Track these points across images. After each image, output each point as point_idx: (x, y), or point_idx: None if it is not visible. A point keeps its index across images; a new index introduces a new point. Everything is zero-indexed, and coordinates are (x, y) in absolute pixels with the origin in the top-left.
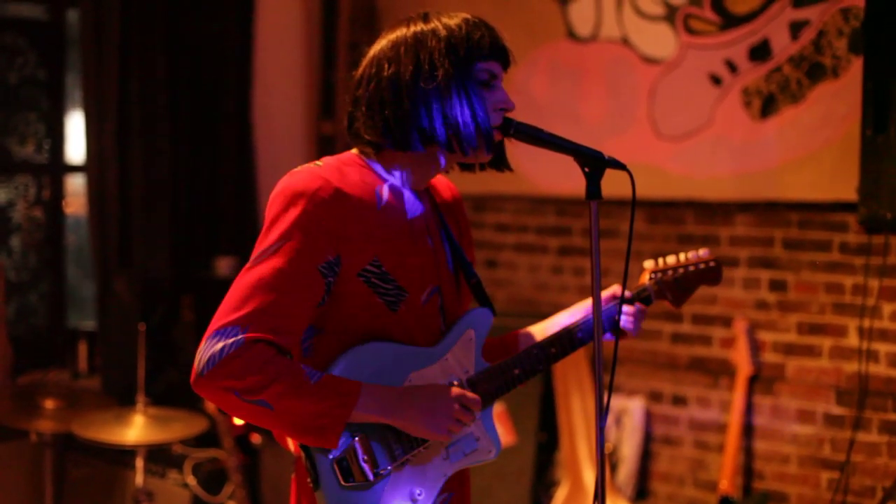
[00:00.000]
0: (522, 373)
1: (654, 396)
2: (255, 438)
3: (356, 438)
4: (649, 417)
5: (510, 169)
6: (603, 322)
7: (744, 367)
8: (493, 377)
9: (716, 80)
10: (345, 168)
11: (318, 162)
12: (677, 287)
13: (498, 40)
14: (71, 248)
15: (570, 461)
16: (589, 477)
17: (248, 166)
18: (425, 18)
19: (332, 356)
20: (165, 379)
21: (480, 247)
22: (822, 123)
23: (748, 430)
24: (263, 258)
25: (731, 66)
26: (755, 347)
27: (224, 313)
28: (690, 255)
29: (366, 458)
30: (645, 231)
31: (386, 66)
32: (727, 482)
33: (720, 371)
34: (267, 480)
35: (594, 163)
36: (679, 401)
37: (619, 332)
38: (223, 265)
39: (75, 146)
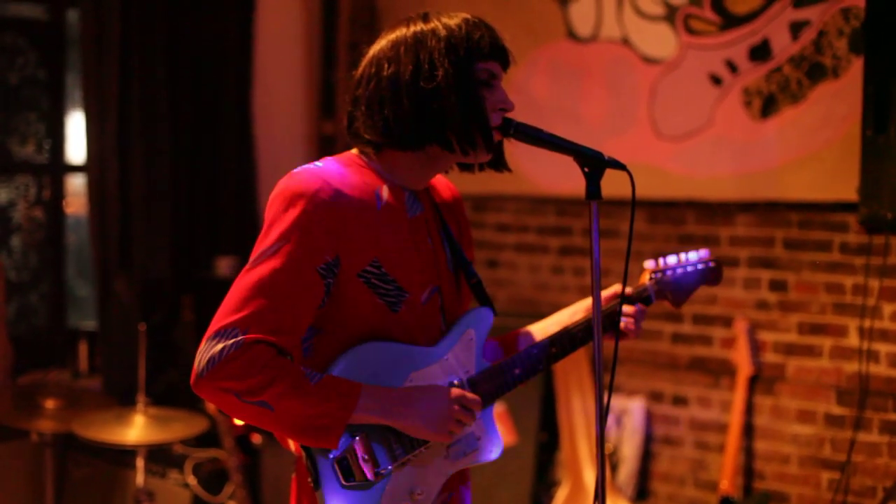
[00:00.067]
0: (523, 372)
1: (655, 396)
2: (256, 438)
3: (357, 438)
4: (650, 417)
5: (509, 169)
6: (603, 322)
7: (744, 368)
8: (494, 377)
9: (716, 80)
10: (344, 168)
11: (317, 162)
12: (677, 287)
13: (498, 40)
14: (71, 249)
15: (571, 461)
16: (589, 477)
17: (248, 166)
18: (425, 18)
19: (333, 357)
20: (166, 379)
21: (481, 247)
22: (823, 123)
23: (749, 431)
24: (263, 259)
25: (732, 66)
26: (756, 347)
27: (224, 314)
28: (691, 255)
29: (366, 457)
30: (645, 231)
31: (386, 65)
32: (728, 482)
33: (721, 371)
34: (267, 480)
35: (594, 163)
36: (679, 401)
37: (619, 333)
38: (224, 265)
39: (76, 146)
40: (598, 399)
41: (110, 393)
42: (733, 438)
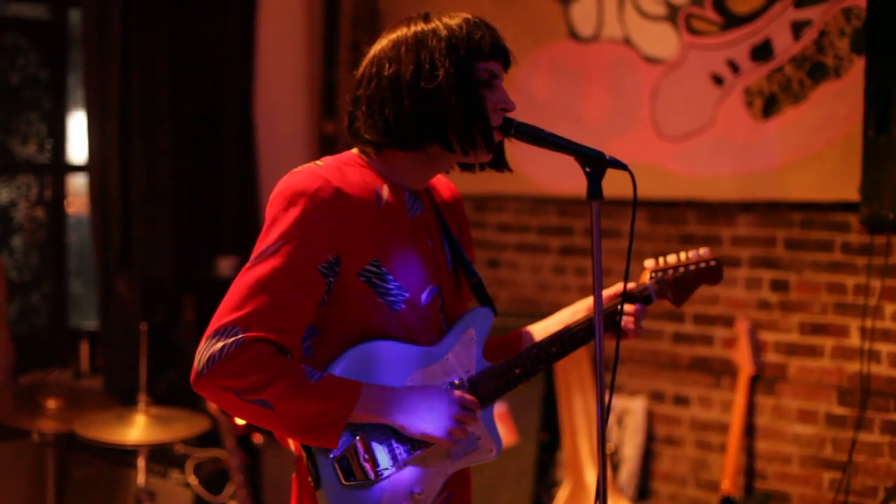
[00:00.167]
0: (523, 372)
1: (656, 396)
2: (257, 438)
3: (357, 438)
4: (651, 417)
5: (509, 169)
6: (604, 321)
7: (746, 367)
8: (494, 376)
9: (718, 80)
10: (345, 168)
11: (318, 162)
12: (678, 286)
13: (499, 40)
14: (73, 248)
15: (572, 461)
16: (590, 477)
17: (249, 166)
18: (426, 18)
19: (333, 356)
20: (167, 379)
21: (482, 247)
22: (824, 123)
23: (750, 431)
24: (263, 258)
25: (733, 66)
26: (757, 347)
27: (224, 313)
28: (691, 254)
29: (367, 457)
30: (646, 231)
31: (386, 65)
32: (729, 482)
33: (722, 371)
34: (268, 480)
35: (595, 163)
36: (681, 401)
37: (620, 332)
38: (225, 265)
39: (77, 146)
40: (600, 399)
41: (111, 393)
42: (734, 438)
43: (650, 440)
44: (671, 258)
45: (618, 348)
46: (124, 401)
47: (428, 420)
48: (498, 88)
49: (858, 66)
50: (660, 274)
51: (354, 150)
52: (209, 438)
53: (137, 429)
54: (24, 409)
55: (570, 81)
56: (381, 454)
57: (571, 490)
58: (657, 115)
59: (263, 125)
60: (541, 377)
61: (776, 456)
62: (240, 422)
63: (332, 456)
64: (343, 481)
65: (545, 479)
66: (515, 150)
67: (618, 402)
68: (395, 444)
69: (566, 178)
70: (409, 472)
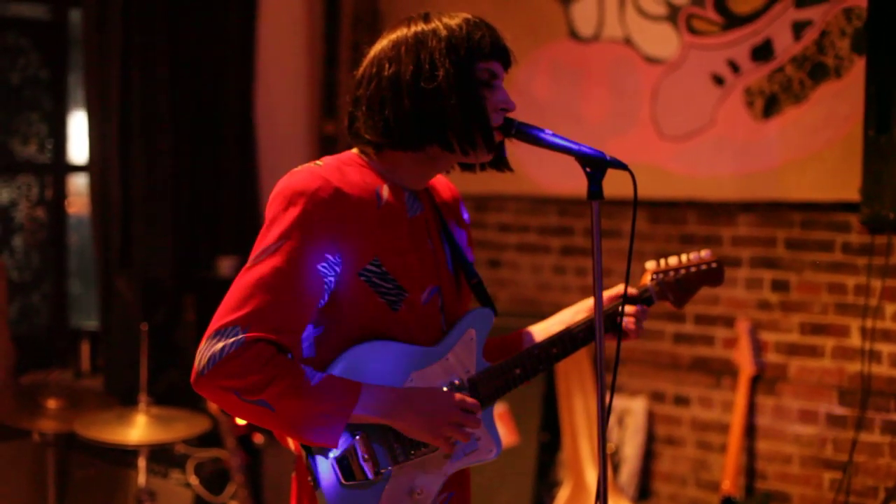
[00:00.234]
0: (523, 373)
1: (657, 397)
2: (258, 438)
3: (357, 438)
4: (651, 417)
5: (510, 169)
6: (605, 322)
7: (746, 368)
8: (494, 377)
9: (718, 80)
10: (345, 168)
11: (317, 161)
12: (679, 288)
13: (499, 40)
14: (73, 248)
15: (573, 461)
16: (591, 477)
17: (250, 166)
18: (426, 18)
19: (333, 356)
20: (168, 379)
21: (483, 247)
22: (825, 124)
23: (750, 431)
24: (263, 258)
25: (734, 66)
26: (758, 348)
27: (224, 313)
28: (692, 255)
29: (366, 457)
30: (647, 231)
31: (386, 65)
32: (729, 482)
33: (723, 371)
34: (269, 480)
35: (596, 163)
36: (681, 401)
37: (621, 333)
38: (225, 265)
39: (78, 146)
40: (600, 399)
41: (112, 393)
42: (735, 438)
43: (651, 440)
44: (672, 260)
45: (618, 349)
46: (125, 401)
47: (428, 422)
48: (498, 88)
49: (859, 66)
50: (661, 275)
51: (354, 150)
52: (210, 438)
53: (138, 429)
54: (25, 409)
55: (570, 81)
56: (381, 454)
57: (572, 490)
58: (657, 115)
59: (264, 125)
60: (541, 377)
61: (777, 456)
62: (240, 422)
63: (331, 456)
64: (342, 481)
65: (546, 479)
66: (516, 150)
67: (618, 403)
68: (394, 445)
69: (566, 178)
70: (408, 473)
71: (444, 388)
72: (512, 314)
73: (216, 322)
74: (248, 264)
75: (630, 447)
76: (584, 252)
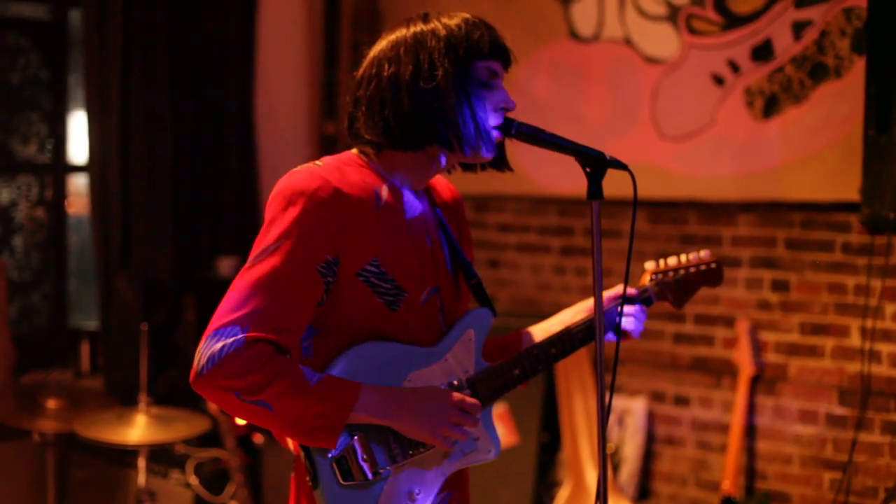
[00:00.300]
0: (522, 373)
1: (657, 397)
2: (258, 438)
3: (355, 438)
4: (651, 418)
5: (511, 169)
6: (605, 322)
7: (746, 368)
8: (493, 377)
9: (718, 81)
10: (344, 168)
11: (317, 161)
12: (678, 288)
13: (498, 40)
14: (73, 248)
15: (573, 461)
16: (591, 477)
17: (250, 166)
18: (425, 19)
19: (332, 356)
20: (168, 379)
21: (482, 247)
22: (825, 124)
23: (750, 431)
24: (262, 258)
25: (734, 67)
26: (757, 348)
27: (223, 313)
28: (692, 256)
29: (365, 457)
30: (647, 231)
31: (386, 66)
32: (729, 482)
33: (722, 371)
34: (269, 480)
35: (596, 163)
36: (681, 401)
37: (619, 333)
38: (225, 265)
39: (78, 146)
40: (600, 399)
41: (112, 393)
42: (735, 438)
43: (650, 440)
44: (672, 260)
45: (618, 349)
46: (125, 401)
47: (427, 422)
48: (498, 88)
49: (859, 66)
50: (660, 276)
51: (354, 151)
52: (210, 438)
53: (138, 429)
54: (25, 409)
55: (570, 81)
56: (380, 454)
57: (572, 490)
58: (658, 115)
59: (264, 125)
60: (541, 377)
61: (777, 456)
62: (240, 422)
63: (330, 456)
64: (341, 481)
65: (545, 479)
66: (516, 150)
67: (618, 403)
68: (393, 445)
69: (566, 178)
70: (407, 473)
71: (444, 388)
72: (512, 314)
73: (215, 322)
74: (247, 264)
75: (630, 447)
76: (584, 252)
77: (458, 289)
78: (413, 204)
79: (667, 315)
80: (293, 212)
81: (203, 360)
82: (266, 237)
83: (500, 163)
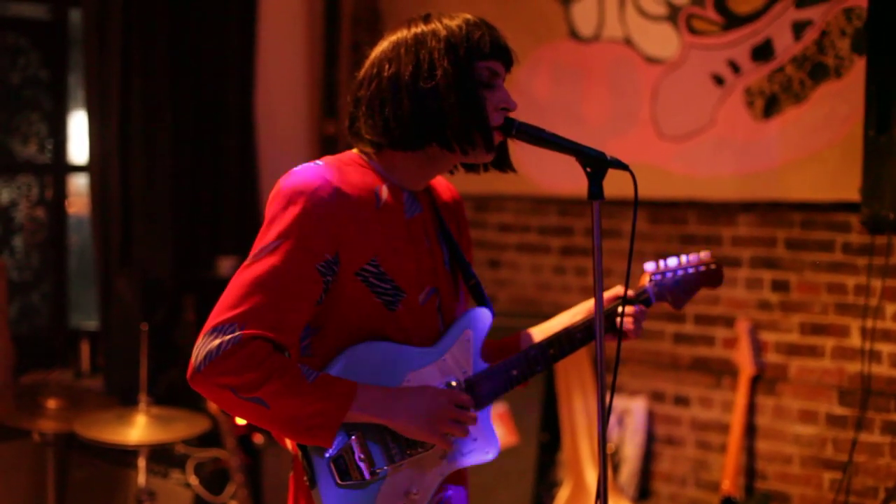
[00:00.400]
0: (520, 374)
1: (657, 397)
2: (258, 438)
3: (353, 437)
4: (651, 418)
5: (513, 170)
6: (604, 323)
7: (746, 368)
8: (492, 378)
9: (718, 80)
10: (344, 167)
11: (317, 161)
12: (677, 289)
13: (498, 40)
14: (73, 248)
15: (573, 461)
16: (591, 477)
17: (250, 166)
18: (426, 19)
19: (330, 355)
20: (168, 379)
21: (483, 247)
22: (825, 124)
23: (750, 431)
24: (262, 256)
25: (734, 67)
26: (758, 348)
27: (221, 310)
28: (691, 257)
29: (362, 457)
30: (647, 231)
31: (386, 66)
32: (729, 482)
33: (723, 371)
34: (269, 480)
35: (596, 163)
36: (681, 401)
37: (620, 333)
38: (225, 265)
39: (78, 146)
40: (600, 399)
41: (112, 393)
42: (735, 439)
43: (650, 440)
44: (671, 261)
45: (619, 349)
46: (125, 401)
47: (424, 421)
48: (499, 88)
49: (859, 66)
50: (659, 277)
51: (354, 150)
52: (210, 438)
53: (138, 429)
54: (25, 409)
55: (570, 81)
56: (377, 454)
57: (572, 490)
58: (658, 115)
59: (264, 125)
60: (541, 378)
61: (777, 456)
62: (240, 422)
63: (327, 455)
64: (338, 481)
65: (545, 479)
66: (516, 150)
67: (618, 403)
68: (391, 445)
69: (567, 178)
70: (404, 473)
71: (440, 387)
72: (512, 314)
73: (213, 319)
74: (246, 262)
75: (630, 447)
76: (584, 252)
77: (456, 289)
78: (412, 204)
79: (667, 315)
80: (293, 211)
81: (200, 357)
82: (266, 236)
83: (503, 163)
